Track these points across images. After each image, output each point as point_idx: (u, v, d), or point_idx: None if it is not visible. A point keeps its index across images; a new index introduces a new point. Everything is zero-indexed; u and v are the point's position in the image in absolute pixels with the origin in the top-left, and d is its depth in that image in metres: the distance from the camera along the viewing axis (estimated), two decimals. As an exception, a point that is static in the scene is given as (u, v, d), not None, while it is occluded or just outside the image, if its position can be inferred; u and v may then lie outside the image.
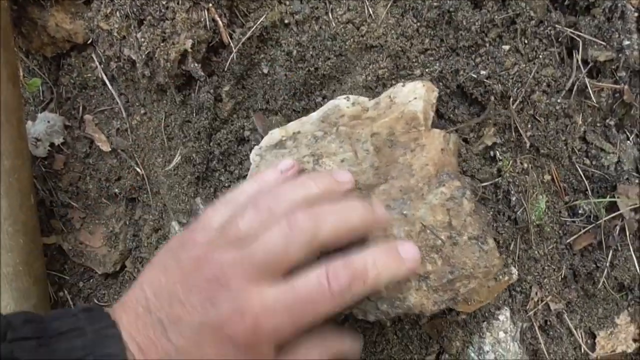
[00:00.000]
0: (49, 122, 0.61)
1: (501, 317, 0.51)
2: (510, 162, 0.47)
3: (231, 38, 0.54)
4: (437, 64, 0.50)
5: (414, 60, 0.51)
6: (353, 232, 0.38)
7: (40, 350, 0.32)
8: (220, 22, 0.54)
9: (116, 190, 0.64)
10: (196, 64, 0.54)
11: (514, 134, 0.48)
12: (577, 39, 0.48)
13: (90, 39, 0.58)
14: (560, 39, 0.48)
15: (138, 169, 0.62)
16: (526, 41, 0.48)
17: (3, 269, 0.57)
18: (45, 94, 0.62)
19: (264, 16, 0.54)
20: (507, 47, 0.48)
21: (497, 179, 0.48)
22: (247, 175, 0.53)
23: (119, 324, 0.34)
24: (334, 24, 0.53)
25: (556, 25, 0.48)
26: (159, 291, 0.35)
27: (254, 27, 0.53)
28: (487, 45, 0.49)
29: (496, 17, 0.48)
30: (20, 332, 0.32)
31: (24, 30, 0.58)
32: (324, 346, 0.40)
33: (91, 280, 0.68)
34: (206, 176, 0.58)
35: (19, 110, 0.56)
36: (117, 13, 0.56)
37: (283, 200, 0.37)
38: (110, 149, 0.62)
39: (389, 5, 0.52)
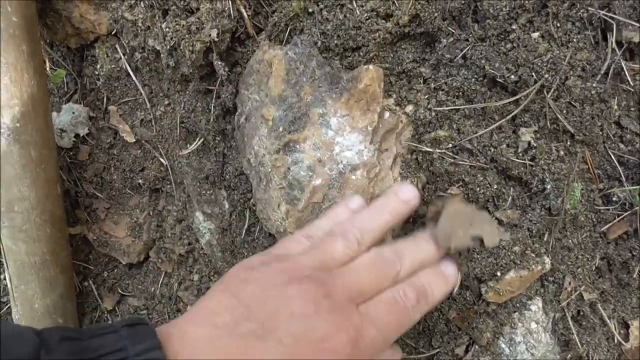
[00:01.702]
0: (73, 113, 0.61)
1: (533, 308, 0.50)
2: (545, 149, 0.46)
3: (257, 28, 0.54)
4: (464, 52, 0.49)
5: (438, 50, 0.51)
6: (422, 266, 0.42)
7: None
8: (245, 13, 0.54)
9: (140, 180, 0.64)
10: (220, 62, 0.54)
11: (548, 121, 0.46)
12: (611, 20, 0.47)
13: (114, 30, 0.58)
14: (593, 22, 0.47)
15: (162, 160, 0.62)
16: (558, 25, 0.47)
17: (31, 259, 0.57)
18: (70, 85, 0.63)
19: (288, 6, 0.53)
20: (537, 34, 0.47)
21: (531, 167, 0.47)
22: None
23: (172, 342, 0.31)
24: (358, 13, 0.52)
25: (589, 8, 0.47)
26: (248, 300, 0.33)
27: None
28: (517, 31, 0.48)
29: (526, 1, 0.47)
30: (56, 352, 0.29)
31: (49, 21, 0.58)
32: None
33: (115, 270, 0.68)
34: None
35: (45, 101, 0.56)
36: (142, 3, 0.56)
37: (367, 231, 0.41)
38: (134, 140, 0.62)
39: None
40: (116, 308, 0.69)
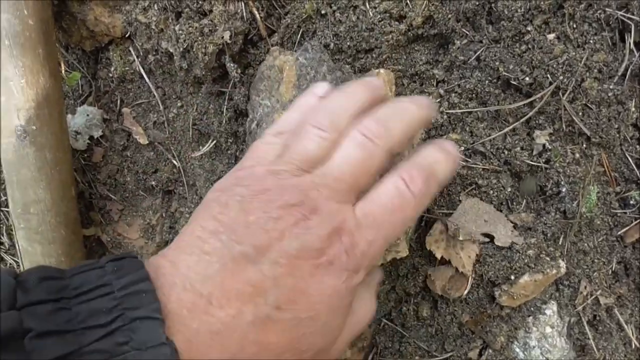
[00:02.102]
0: (88, 115, 0.62)
1: (548, 312, 0.50)
2: (560, 152, 0.45)
3: (269, 30, 0.54)
4: (478, 54, 0.49)
5: (452, 52, 0.50)
6: (415, 130, 0.37)
7: (57, 316, 0.25)
8: (257, 15, 0.54)
9: (153, 182, 0.64)
10: (233, 64, 0.54)
11: (563, 123, 0.46)
12: (629, 21, 0.47)
13: (128, 33, 0.59)
14: (611, 23, 0.46)
15: (174, 162, 0.62)
16: (575, 26, 0.46)
17: (46, 260, 0.58)
18: (84, 88, 0.63)
19: (301, 8, 0.53)
20: (552, 36, 0.47)
21: (546, 170, 0.47)
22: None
23: (161, 273, 0.28)
24: (371, 14, 0.52)
25: (606, 9, 0.46)
26: (232, 224, 0.30)
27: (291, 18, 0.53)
28: (532, 32, 0.47)
29: (542, 2, 0.47)
30: (34, 293, 0.26)
31: (64, 24, 0.59)
32: (368, 283, 0.38)
33: (129, 272, 0.68)
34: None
35: (61, 103, 0.57)
36: (155, 6, 0.56)
37: (341, 113, 0.35)
38: (147, 142, 0.63)
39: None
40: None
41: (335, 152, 0.33)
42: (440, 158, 0.35)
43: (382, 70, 0.48)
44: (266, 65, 0.52)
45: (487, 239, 0.48)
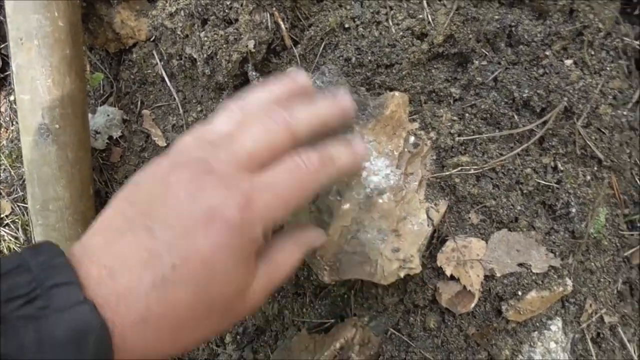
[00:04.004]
0: (108, 115, 0.63)
1: (553, 328, 0.51)
2: (572, 173, 0.47)
3: (292, 41, 0.55)
4: (496, 75, 0.50)
5: (470, 71, 0.52)
6: (324, 125, 0.39)
7: None
8: (282, 26, 0.55)
9: (168, 184, 0.65)
10: (254, 72, 0.55)
11: (577, 146, 0.47)
12: (644, 51, 0.48)
13: (153, 37, 0.60)
14: (627, 52, 0.48)
15: (191, 165, 0.64)
16: (593, 53, 0.48)
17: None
18: (106, 88, 0.64)
19: (325, 20, 0.55)
20: (570, 62, 0.48)
21: (557, 190, 0.48)
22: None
23: (71, 255, 0.30)
24: (393, 30, 0.53)
25: (624, 38, 0.48)
26: (138, 200, 0.33)
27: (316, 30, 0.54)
28: (550, 57, 0.49)
29: (562, 29, 0.48)
30: None
31: (91, 26, 0.60)
32: (297, 238, 0.41)
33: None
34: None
35: (84, 103, 0.58)
36: (182, 12, 0.57)
37: (253, 101, 0.39)
38: (165, 144, 0.64)
39: (450, 14, 0.52)
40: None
41: (242, 131, 0.36)
42: (341, 149, 0.39)
43: (396, 93, 0.49)
44: None
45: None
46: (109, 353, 0.28)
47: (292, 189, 0.35)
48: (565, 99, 0.46)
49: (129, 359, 0.30)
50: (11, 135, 0.69)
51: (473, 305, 0.52)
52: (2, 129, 0.71)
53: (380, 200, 0.48)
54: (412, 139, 0.51)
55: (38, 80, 0.54)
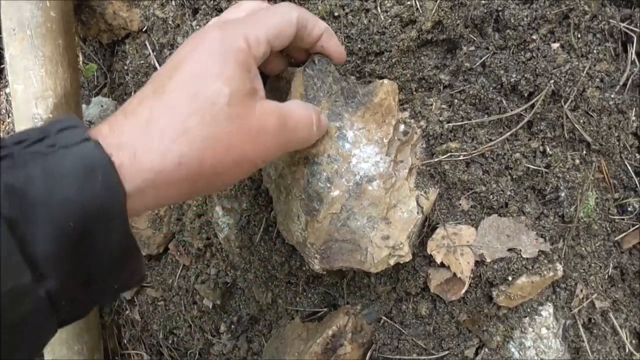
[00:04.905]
0: (102, 106, 0.63)
1: (544, 313, 0.51)
2: (561, 157, 0.47)
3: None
4: (484, 60, 0.50)
5: (459, 57, 0.52)
6: (290, 27, 0.42)
7: None
8: (272, 13, 0.55)
9: (162, 174, 0.66)
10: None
11: (565, 130, 0.47)
12: (632, 33, 0.48)
13: (145, 27, 0.60)
14: (614, 34, 0.48)
15: (185, 155, 0.64)
16: (579, 36, 0.48)
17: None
18: (99, 79, 0.65)
19: (314, 9, 0.55)
20: (557, 45, 0.48)
21: (546, 175, 0.48)
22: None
23: (101, 131, 0.33)
24: (382, 18, 0.54)
25: (610, 20, 0.47)
26: (160, 80, 0.36)
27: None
28: (537, 41, 0.49)
29: (548, 12, 0.48)
30: None
31: (84, 17, 0.61)
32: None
33: (135, 262, 0.70)
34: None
35: (77, 94, 0.58)
36: (173, 2, 0.58)
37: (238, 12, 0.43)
38: (159, 135, 0.64)
39: (438, 0, 0.52)
40: (135, 298, 0.71)
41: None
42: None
43: (385, 81, 0.49)
44: (274, 76, 0.53)
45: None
46: (117, 187, 0.30)
47: (267, 17, 0.39)
48: (552, 82, 0.46)
49: (140, 180, 0.32)
50: (8, 127, 0.70)
51: (463, 292, 0.52)
52: None
53: (370, 188, 0.48)
54: (402, 127, 0.51)
55: (31, 70, 0.54)
